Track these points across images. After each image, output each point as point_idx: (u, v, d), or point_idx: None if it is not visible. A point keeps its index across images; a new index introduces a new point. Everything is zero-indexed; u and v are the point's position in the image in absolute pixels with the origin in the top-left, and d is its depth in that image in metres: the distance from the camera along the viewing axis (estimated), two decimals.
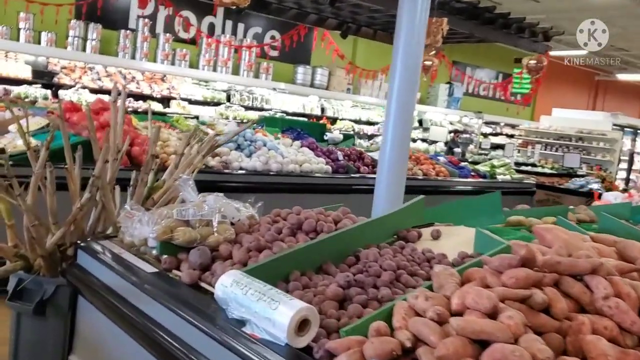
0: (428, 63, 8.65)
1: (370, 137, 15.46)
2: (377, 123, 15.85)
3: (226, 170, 5.09)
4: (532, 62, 7.89)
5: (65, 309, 2.34)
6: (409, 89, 4.46)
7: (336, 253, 1.97)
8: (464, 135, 17.24)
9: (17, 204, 2.21)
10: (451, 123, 17.80)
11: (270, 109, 13.57)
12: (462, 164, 7.98)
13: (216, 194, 2.26)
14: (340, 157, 6.39)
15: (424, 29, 4.35)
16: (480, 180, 7.24)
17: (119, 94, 2.75)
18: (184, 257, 2.00)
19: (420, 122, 17.05)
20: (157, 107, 11.59)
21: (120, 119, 2.73)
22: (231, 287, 1.59)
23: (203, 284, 1.84)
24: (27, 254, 2.36)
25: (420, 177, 6.70)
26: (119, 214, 2.53)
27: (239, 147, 5.54)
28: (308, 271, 1.84)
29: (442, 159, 7.59)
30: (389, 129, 4.49)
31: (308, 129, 10.34)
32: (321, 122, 14.02)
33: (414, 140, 16.37)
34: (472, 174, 7.35)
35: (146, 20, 11.55)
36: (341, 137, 10.00)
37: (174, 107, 11.97)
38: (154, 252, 2.08)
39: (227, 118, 12.78)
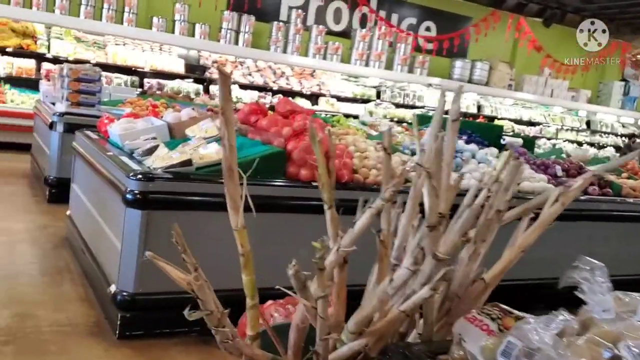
0: None
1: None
2: (539, 124, 14.14)
3: None
4: None
5: None
6: None
7: None
8: None
9: (310, 307, 1.25)
10: (623, 126, 15.60)
11: (423, 107, 12.40)
12: None
13: None
14: (560, 173, 5.11)
15: None
16: None
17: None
18: None
19: (588, 123, 15.06)
20: (305, 104, 10.84)
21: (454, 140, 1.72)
22: None
23: None
24: None
25: None
26: None
27: None
28: None
29: None
30: None
31: (480, 130, 9.06)
32: (478, 121, 12.66)
33: (580, 144, 14.47)
34: None
35: (299, 11, 10.82)
36: (520, 141, 8.58)
37: (322, 105, 11.16)
38: None
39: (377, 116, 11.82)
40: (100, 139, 4.22)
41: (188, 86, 9.80)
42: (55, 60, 8.88)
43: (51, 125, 5.66)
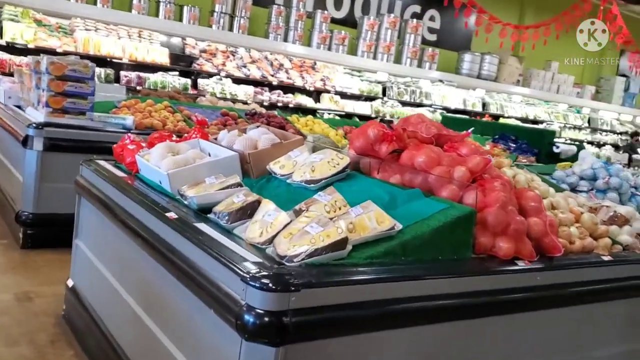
0: None
1: None
2: (543, 122, 13.12)
3: None
4: None
5: None
6: None
7: None
8: None
9: None
10: (621, 123, 14.84)
11: (430, 105, 11.14)
12: None
13: None
14: None
15: None
16: None
17: None
18: None
19: (589, 121, 14.18)
20: (307, 101, 9.40)
21: None
22: None
23: None
24: None
25: None
26: None
27: (620, 199, 3.19)
28: None
29: None
30: None
31: (527, 136, 7.88)
32: (484, 119, 11.50)
33: (581, 142, 13.61)
34: None
35: None
36: (574, 148, 7.41)
37: (326, 102, 9.74)
38: None
39: (384, 116, 10.49)
40: (126, 175, 2.71)
41: (173, 80, 8.19)
42: (11, 48, 7.13)
43: (25, 141, 4.04)
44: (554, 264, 2.16)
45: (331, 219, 1.91)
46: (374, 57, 10.01)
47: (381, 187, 2.29)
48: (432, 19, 11.62)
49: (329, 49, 9.52)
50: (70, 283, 3.02)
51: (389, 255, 1.85)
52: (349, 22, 10.29)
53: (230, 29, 8.69)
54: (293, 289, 1.57)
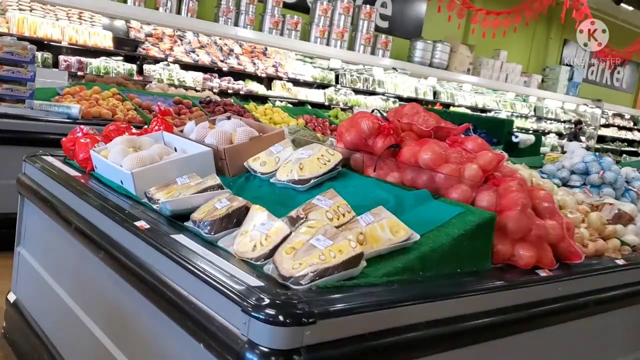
0: None
1: None
2: (491, 110, 13.19)
3: None
4: None
5: None
6: None
7: None
8: (589, 128, 14.64)
9: None
10: (565, 112, 15.14)
11: (383, 93, 10.96)
12: None
13: None
14: None
15: None
16: None
17: None
18: None
19: (535, 109, 14.36)
20: (258, 88, 9.03)
21: None
22: None
23: None
24: None
25: None
26: None
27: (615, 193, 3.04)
28: None
29: None
30: None
31: (486, 125, 7.77)
32: (436, 108, 11.43)
33: (527, 131, 13.79)
34: None
35: None
36: (532, 138, 7.36)
37: (278, 89, 9.38)
38: None
39: (337, 104, 10.23)
40: (80, 174, 2.33)
41: (117, 65, 7.65)
42: None
43: None
44: (575, 272, 1.96)
45: (336, 227, 1.63)
46: (327, 44, 9.72)
47: (382, 187, 2.02)
48: (384, 5, 11.41)
49: (281, 34, 9.17)
50: (12, 297, 2.62)
51: (407, 271, 1.59)
52: (302, 6, 9.95)
53: (178, 11, 8.21)
54: (307, 320, 1.28)
